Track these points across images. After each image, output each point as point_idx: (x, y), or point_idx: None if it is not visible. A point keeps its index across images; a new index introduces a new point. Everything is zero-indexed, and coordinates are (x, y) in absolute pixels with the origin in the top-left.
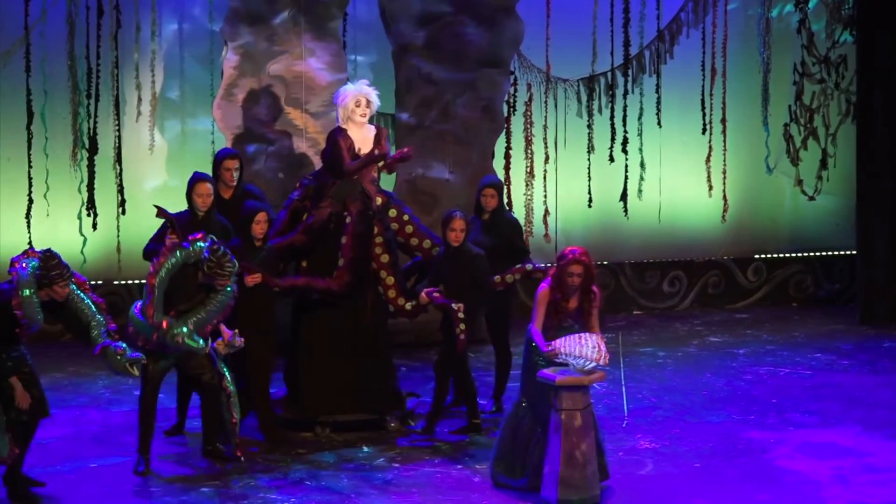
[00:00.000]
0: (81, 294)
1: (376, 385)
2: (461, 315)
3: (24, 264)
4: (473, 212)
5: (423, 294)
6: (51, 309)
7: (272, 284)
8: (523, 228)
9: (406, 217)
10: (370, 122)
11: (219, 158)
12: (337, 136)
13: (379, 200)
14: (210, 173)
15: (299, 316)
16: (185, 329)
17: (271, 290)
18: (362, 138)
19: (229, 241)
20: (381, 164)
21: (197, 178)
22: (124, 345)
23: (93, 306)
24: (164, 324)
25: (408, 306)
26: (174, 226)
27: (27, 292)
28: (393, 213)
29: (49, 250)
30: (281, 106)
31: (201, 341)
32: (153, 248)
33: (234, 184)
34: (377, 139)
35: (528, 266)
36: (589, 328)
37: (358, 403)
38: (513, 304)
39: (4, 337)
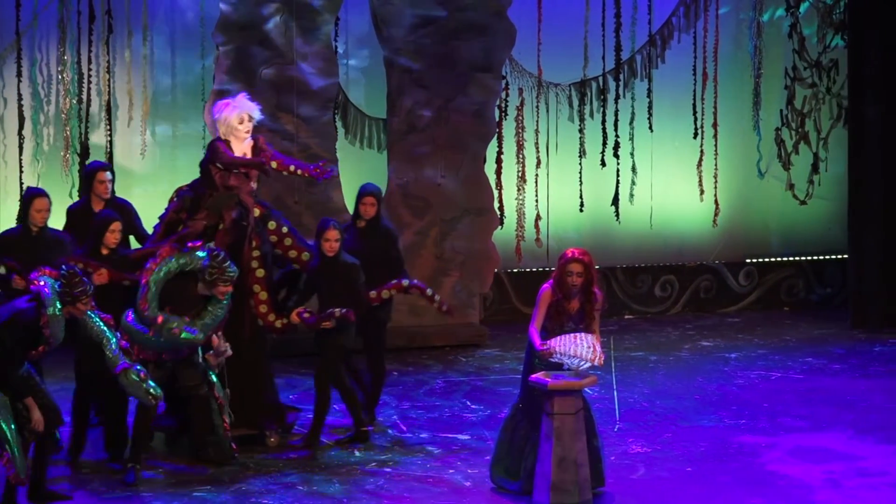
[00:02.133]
0: (89, 312)
1: (255, 400)
2: (337, 313)
3: (42, 282)
4: (351, 219)
5: (293, 314)
6: (67, 327)
7: (118, 279)
8: (399, 238)
9: (285, 229)
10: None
11: (92, 171)
12: (217, 143)
13: (257, 212)
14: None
15: None
16: (178, 324)
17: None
18: (242, 152)
19: (67, 253)
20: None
21: (34, 194)
22: (144, 369)
23: (102, 323)
24: (160, 319)
25: (278, 324)
26: (17, 270)
27: (54, 310)
28: (272, 225)
29: (72, 268)
30: (273, 111)
31: (196, 331)
32: None
33: (108, 196)
34: (255, 150)
35: (405, 282)
36: (590, 331)
37: (237, 419)
38: (388, 318)
39: (21, 356)
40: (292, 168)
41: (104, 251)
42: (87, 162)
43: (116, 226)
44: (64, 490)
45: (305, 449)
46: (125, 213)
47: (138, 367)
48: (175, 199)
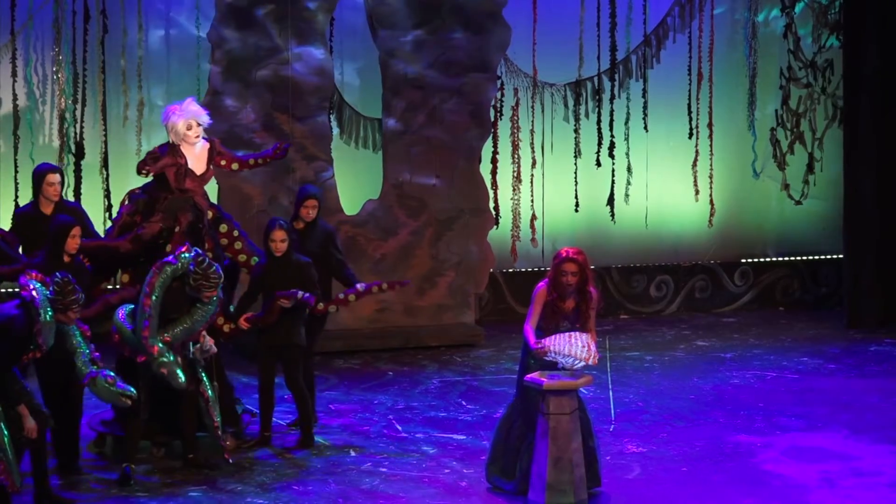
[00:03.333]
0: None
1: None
2: (299, 296)
3: (31, 286)
4: (291, 221)
5: (241, 321)
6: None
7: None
8: (337, 237)
9: (236, 233)
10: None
11: (41, 173)
12: (176, 152)
13: (210, 214)
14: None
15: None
16: (171, 358)
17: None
18: (195, 158)
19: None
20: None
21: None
22: (112, 373)
23: (78, 334)
24: (155, 350)
25: (226, 328)
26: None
27: (48, 317)
28: (223, 228)
29: (66, 275)
30: (268, 111)
31: (182, 377)
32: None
33: (57, 199)
34: (211, 153)
35: (360, 287)
36: (585, 330)
37: (167, 426)
38: (322, 326)
39: (12, 363)
40: (252, 162)
41: (66, 258)
42: (81, 162)
43: (77, 231)
44: (59, 491)
45: (303, 449)
46: (76, 216)
47: (104, 373)
48: (127, 201)
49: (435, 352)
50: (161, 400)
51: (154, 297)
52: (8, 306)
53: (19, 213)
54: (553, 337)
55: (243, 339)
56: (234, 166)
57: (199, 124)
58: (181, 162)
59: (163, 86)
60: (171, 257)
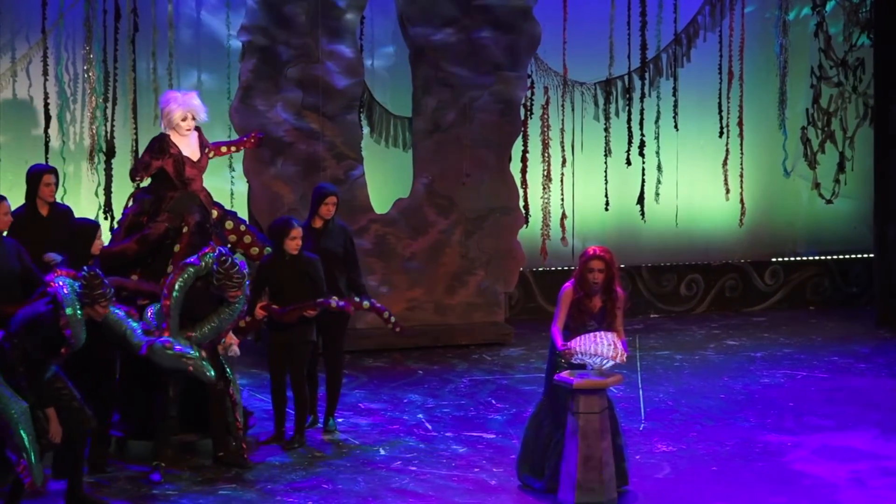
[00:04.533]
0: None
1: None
2: (333, 304)
3: (60, 283)
4: (307, 220)
5: (257, 309)
6: (88, 326)
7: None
8: (353, 237)
9: (243, 227)
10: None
11: (37, 173)
12: (164, 147)
13: (214, 213)
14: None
15: None
16: (196, 354)
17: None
18: (188, 145)
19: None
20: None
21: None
22: (171, 339)
23: (123, 315)
24: (155, 343)
25: (241, 323)
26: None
27: (74, 311)
28: (229, 224)
29: (94, 269)
30: (298, 110)
31: (211, 371)
32: None
33: (52, 200)
34: (202, 142)
35: (365, 303)
36: (612, 329)
37: (191, 424)
38: (346, 326)
39: (43, 359)
40: (224, 150)
41: (90, 262)
42: (111, 161)
43: (101, 232)
44: (89, 490)
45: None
46: (69, 217)
47: (162, 339)
48: (132, 202)
49: (465, 350)
50: (189, 399)
51: (174, 298)
52: (39, 304)
53: (16, 214)
54: (578, 338)
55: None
56: (212, 154)
57: (195, 118)
58: (174, 153)
59: (193, 84)
60: (194, 258)
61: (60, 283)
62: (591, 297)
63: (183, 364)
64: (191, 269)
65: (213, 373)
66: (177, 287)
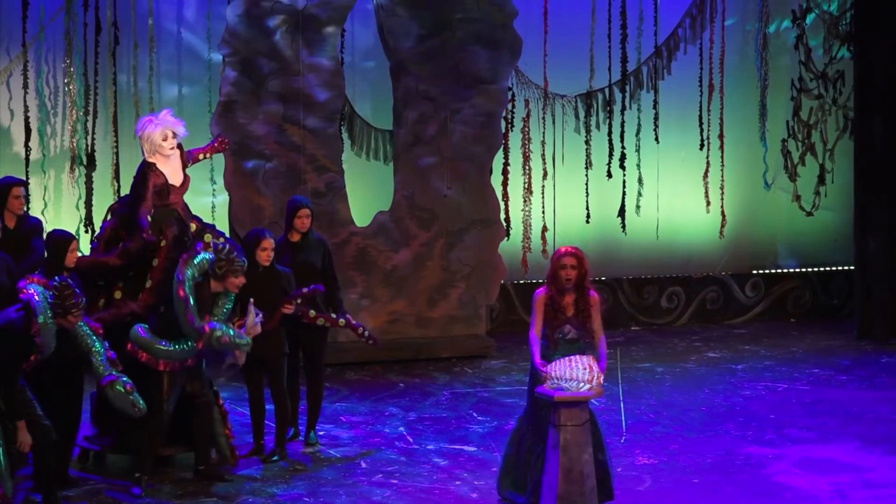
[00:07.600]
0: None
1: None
2: (305, 291)
3: (31, 290)
4: (284, 233)
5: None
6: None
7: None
8: (332, 250)
9: (221, 240)
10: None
11: (6, 186)
12: (147, 172)
13: (193, 227)
14: None
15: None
16: (226, 329)
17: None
18: (172, 170)
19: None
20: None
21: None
22: (131, 382)
23: (91, 333)
24: (206, 328)
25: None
26: None
27: (45, 319)
28: (208, 238)
29: (65, 279)
30: (279, 123)
31: (247, 340)
32: None
33: (21, 213)
34: (184, 160)
35: (341, 321)
36: (591, 332)
37: (174, 438)
38: (327, 339)
39: (16, 368)
40: (200, 157)
41: (66, 274)
42: (92, 174)
43: (75, 245)
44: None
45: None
46: (37, 230)
47: (124, 379)
48: (110, 216)
49: (446, 363)
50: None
51: (187, 286)
52: (10, 310)
53: None
54: (553, 364)
55: None
56: (191, 163)
57: (174, 135)
58: (160, 183)
59: (174, 97)
60: (197, 246)
61: (32, 291)
62: (564, 295)
63: (130, 411)
64: (194, 261)
65: (248, 340)
66: (188, 276)
